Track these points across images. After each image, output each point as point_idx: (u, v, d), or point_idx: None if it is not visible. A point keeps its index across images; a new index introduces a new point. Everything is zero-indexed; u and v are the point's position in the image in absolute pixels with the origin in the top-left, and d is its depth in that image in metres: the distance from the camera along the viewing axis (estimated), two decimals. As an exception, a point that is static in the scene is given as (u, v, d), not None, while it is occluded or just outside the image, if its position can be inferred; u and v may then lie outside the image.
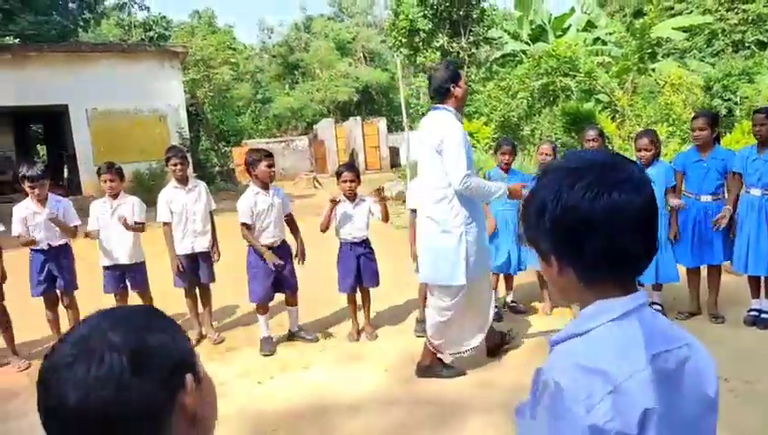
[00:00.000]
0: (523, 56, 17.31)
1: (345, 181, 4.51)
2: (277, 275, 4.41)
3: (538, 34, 20.20)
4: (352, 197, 4.54)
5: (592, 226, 0.87)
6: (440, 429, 3.13)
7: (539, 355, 3.95)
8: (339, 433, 3.18)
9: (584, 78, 12.77)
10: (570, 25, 20.18)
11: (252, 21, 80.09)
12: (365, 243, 4.60)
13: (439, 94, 3.60)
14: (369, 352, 4.34)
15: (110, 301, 4.60)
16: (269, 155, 4.42)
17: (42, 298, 4.53)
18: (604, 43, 18.76)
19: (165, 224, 4.60)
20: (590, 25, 20.09)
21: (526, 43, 19.89)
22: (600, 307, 0.91)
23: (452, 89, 3.56)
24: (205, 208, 4.70)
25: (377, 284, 4.66)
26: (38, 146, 23.77)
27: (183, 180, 4.65)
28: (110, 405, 0.68)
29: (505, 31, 21.50)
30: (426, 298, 4.37)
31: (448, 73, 3.56)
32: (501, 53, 20.59)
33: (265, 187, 4.41)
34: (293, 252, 4.59)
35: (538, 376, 0.90)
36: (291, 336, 4.68)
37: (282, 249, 4.47)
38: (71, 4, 26.46)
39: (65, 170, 16.60)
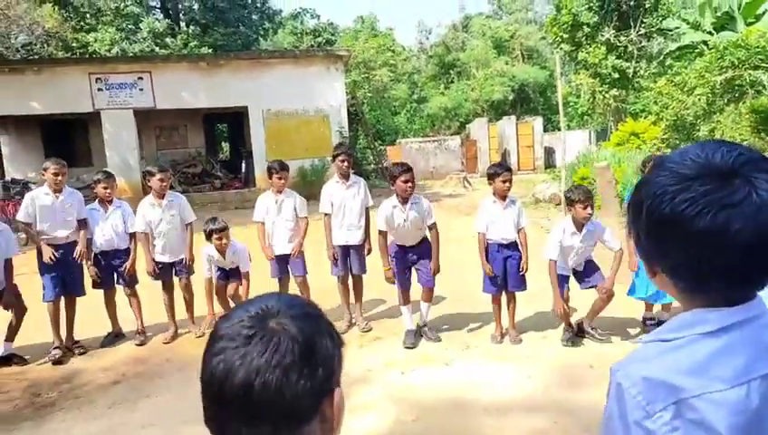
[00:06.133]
0: (704, 48, 15.52)
1: (504, 181, 4.44)
2: (414, 266, 4.66)
3: (724, 23, 17.92)
4: (504, 198, 4.49)
5: (687, 243, 0.79)
6: (584, 443, 3.01)
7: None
8: (476, 431, 3.21)
9: (781, 71, 11.10)
10: (765, 11, 17.60)
11: (412, 23, 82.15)
12: (513, 245, 4.53)
13: None
14: (513, 356, 4.28)
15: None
16: (408, 170, 4.49)
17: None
18: (811, 28, 16.05)
19: (325, 215, 5.00)
20: (792, 9, 17.32)
21: (708, 33, 17.77)
22: (694, 318, 0.83)
23: None
24: (361, 204, 5.01)
25: (524, 288, 4.58)
26: (222, 143, 26.95)
27: (345, 176, 4.99)
28: (270, 392, 0.69)
29: (683, 20, 19.41)
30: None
31: None
32: (677, 45, 18.64)
33: (404, 200, 4.51)
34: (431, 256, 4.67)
35: (612, 373, 0.86)
36: (417, 329, 4.76)
37: (419, 247, 4.65)
38: (254, 17, 29.55)
39: (243, 166, 18.60)
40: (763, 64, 11.09)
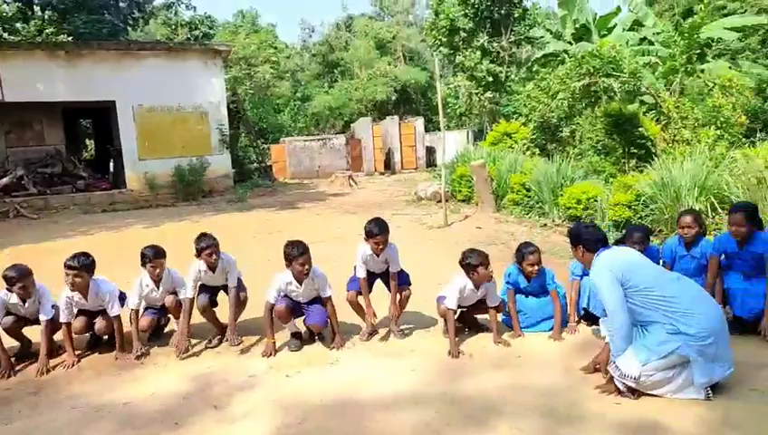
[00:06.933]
0: (566, 56, 16.96)
1: (378, 244, 4.42)
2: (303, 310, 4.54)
3: (582, 34, 19.74)
4: (378, 255, 4.51)
5: None
6: (466, 430, 3.10)
7: (577, 359, 3.89)
8: (364, 428, 3.19)
9: (628, 79, 12.41)
10: (615, 25, 19.64)
11: (294, 20, 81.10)
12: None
13: None
14: (397, 352, 4.33)
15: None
16: (304, 252, 4.26)
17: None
18: (651, 42, 18.18)
19: (189, 299, 4.55)
20: (636, 25, 19.50)
21: (569, 42, 19.46)
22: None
23: None
24: (231, 284, 4.66)
25: (409, 283, 4.66)
26: (87, 140, 24.70)
27: (213, 269, 4.58)
28: None
29: (548, 30, 21.10)
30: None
31: None
32: (542, 52, 20.21)
33: (299, 281, 4.37)
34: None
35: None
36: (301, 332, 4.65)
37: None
38: (121, 4, 27.34)
39: (111, 165, 17.17)
40: (614, 73, 12.32)
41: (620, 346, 3.26)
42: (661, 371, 3.17)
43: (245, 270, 4.97)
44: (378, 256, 4.52)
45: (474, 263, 4.26)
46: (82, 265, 4.27)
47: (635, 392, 3.25)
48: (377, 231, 4.42)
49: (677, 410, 3.14)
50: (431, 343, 4.48)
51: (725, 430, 2.93)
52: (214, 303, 4.77)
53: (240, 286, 4.75)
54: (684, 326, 3.16)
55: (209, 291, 4.73)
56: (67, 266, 4.25)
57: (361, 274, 4.57)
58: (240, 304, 4.73)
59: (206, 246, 4.48)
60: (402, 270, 4.67)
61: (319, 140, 24.94)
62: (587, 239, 3.59)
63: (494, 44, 21.48)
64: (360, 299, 4.61)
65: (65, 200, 14.89)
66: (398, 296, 4.64)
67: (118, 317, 4.50)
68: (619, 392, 3.31)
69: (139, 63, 15.73)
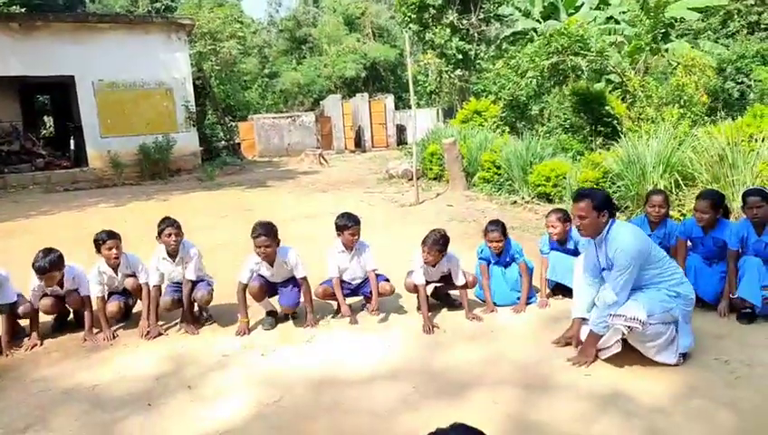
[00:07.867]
0: (534, 34, 17.01)
1: (353, 235, 4.43)
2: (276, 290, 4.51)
3: (550, 12, 19.83)
4: (351, 248, 4.51)
5: None
6: (443, 403, 3.15)
7: (548, 333, 3.97)
8: (341, 404, 3.21)
9: (595, 57, 12.54)
10: (582, 3, 19.79)
11: (260, -6, 78.66)
12: (365, 281, 4.62)
13: None
14: (372, 328, 4.35)
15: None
16: (259, 235, 4.22)
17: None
18: (617, 21, 18.40)
19: (154, 286, 4.42)
20: (603, 3, 19.68)
21: (537, 20, 19.53)
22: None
23: None
24: (194, 275, 4.50)
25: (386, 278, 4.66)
26: (45, 117, 23.76)
27: (174, 254, 4.45)
28: None
29: (516, 8, 21.11)
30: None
31: None
32: (511, 30, 20.25)
33: (270, 263, 4.35)
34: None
35: None
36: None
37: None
38: (77, -26, 26.15)
39: (72, 142, 16.59)
40: (582, 51, 12.42)
41: (602, 325, 3.38)
42: (660, 323, 3.29)
43: (216, 249, 4.90)
44: (350, 249, 4.50)
45: (422, 240, 4.35)
46: (51, 266, 4.13)
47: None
48: (351, 223, 4.45)
49: (646, 379, 3.25)
50: (405, 319, 4.52)
51: (693, 398, 3.05)
52: (181, 301, 4.53)
53: (206, 281, 4.60)
54: (682, 290, 3.39)
55: (177, 292, 4.53)
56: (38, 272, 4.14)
57: (334, 273, 4.50)
58: (202, 298, 4.50)
59: (166, 226, 4.37)
60: (381, 274, 4.64)
61: (288, 117, 24.56)
62: (612, 204, 3.49)
63: (464, 22, 21.38)
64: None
65: (24, 179, 14.37)
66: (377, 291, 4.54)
67: (88, 297, 4.40)
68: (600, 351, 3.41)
69: (99, 37, 15.12)
